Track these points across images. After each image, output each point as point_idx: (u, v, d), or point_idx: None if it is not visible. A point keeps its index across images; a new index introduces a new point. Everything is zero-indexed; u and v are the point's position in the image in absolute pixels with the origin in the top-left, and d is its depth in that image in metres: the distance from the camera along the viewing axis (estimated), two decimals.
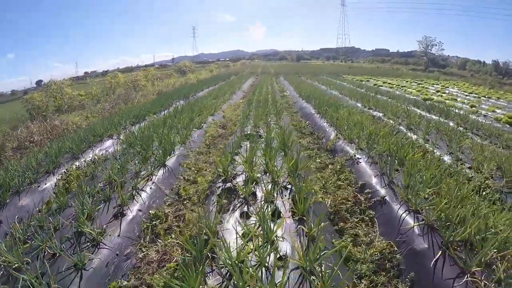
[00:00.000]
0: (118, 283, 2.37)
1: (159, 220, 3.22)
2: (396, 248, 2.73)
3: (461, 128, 7.36)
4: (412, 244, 2.68)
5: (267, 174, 3.91)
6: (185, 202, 3.64)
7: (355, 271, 2.55)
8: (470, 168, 4.70)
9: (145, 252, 2.74)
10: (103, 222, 2.98)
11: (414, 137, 6.10)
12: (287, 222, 2.87)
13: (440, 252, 2.49)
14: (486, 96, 16.89)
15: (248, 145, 4.94)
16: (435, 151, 5.42)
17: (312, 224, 2.67)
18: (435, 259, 2.46)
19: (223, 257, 2.31)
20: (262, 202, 3.17)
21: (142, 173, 4.03)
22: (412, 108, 9.36)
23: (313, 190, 3.68)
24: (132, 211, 3.23)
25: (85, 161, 4.97)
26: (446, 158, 5.12)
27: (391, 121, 7.18)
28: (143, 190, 3.63)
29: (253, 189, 3.47)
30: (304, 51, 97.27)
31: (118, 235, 2.84)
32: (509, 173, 4.22)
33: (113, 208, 3.22)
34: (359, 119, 6.42)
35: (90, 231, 2.72)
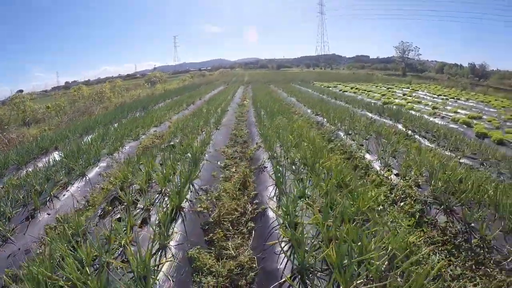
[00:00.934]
0: (12, 271, 2.62)
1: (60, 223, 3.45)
2: (255, 265, 2.48)
3: (409, 132, 6.94)
4: (267, 263, 2.38)
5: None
6: (88, 208, 3.87)
7: (200, 283, 2.32)
8: (397, 175, 4.17)
9: (42, 249, 2.95)
10: (17, 223, 3.44)
11: (350, 142, 5.60)
12: (148, 229, 2.86)
13: (288, 275, 2.06)
14: (455, 97, 16.86)
15: (165, 156, 4.85)
16: (366, 156, 4.91)
17: (166, 233, 2.65)
18: (277, 283, 2.08)
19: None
20: (140, 210, 3.23)
21: (61, 182, 4.38)
22: (364, 112, 8.97)
23: (193, 200, 3.50)
24: (42, 215, 3.63)
25: (26, 172, 5.16)
26: (376, 165, 4.59)
27: (333, 127, 6.70)
28: (56, 197, 4.00)
29: (138, 198, 3.49)
30: (285, 59, 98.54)
31: (24, 234, 3.26)
32: (435, 180, 3.67)
33: (28, 211, 3.64)
34: (292, 126, 5.91)
35: (1, 229, 3.20)
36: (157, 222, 2.88)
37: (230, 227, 3.10)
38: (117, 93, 24.98)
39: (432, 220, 3.20)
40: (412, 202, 3.43)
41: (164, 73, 44.51)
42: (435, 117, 9.70)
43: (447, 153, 5.86)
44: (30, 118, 16.48)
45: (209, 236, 2.91)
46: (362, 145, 5.34)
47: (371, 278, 2.07)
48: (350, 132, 6.11)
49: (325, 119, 7.39)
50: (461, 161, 5.50)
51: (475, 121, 9.48)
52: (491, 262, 2.48)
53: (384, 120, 7.93)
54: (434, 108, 11.80)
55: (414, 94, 17.19)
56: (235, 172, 4.57)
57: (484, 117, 10.69)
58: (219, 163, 5.05)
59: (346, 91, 17.64)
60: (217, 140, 6.72)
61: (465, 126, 8.72)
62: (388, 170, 4.28)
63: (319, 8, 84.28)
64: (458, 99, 16.54)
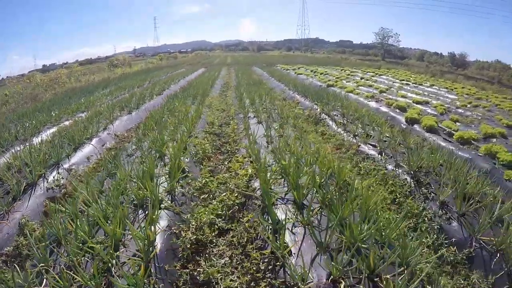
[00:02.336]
0: None
1: None
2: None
3: (323, 114, 6.65)
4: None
5: None
6: None
7: (18, 241, 2.86)
8: (251, 162, 3.85)
9: None
10: None
11: (242, 126, 5.28)
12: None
13: None
14: (418, 83, 16.74)
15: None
16: (243, 141, 4.60)
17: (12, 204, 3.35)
18: None
19: None
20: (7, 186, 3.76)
21: None
22: (294, 94, 8.73)
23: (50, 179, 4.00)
24: None
25: None
26: (244, 150, 4.28)
27: (239, 110, 6.44)
28: None
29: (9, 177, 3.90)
30: (267, 42, 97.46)
31: None
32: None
33: None
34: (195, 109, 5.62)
35: None
36: (10, 195, 3.48)
37: None
38: (73, 78, 24.89)
39: (246, 221, 2.84)
40: (232, 196, 3.09)
41: (129, 56, 43.31)
42: (369, 101, 9.44)
43: (349, 138, 5.61)
44: None
45: (46, 208, 3.40)
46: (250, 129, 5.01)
47: None
48: (250, 115, 5.76)
49: (238, 102, 7.06)
50: (360, 148, 5.22)
51: (417, 106, 9.25)
52: None
53: (307, 102, 7.64)
54: (381, 92, 11.57)
55: (374, 78, 17.02)
56: None
57: (433, 102, 10.48)
58: (104, 146, 5.35)
59: (301, 74, 17.40)
60: (122, 124, 6.92)
61: (397, 111, 8.46)
62: (250, 156, 3.96)
63: None
64: (421, 84, 16.37)
